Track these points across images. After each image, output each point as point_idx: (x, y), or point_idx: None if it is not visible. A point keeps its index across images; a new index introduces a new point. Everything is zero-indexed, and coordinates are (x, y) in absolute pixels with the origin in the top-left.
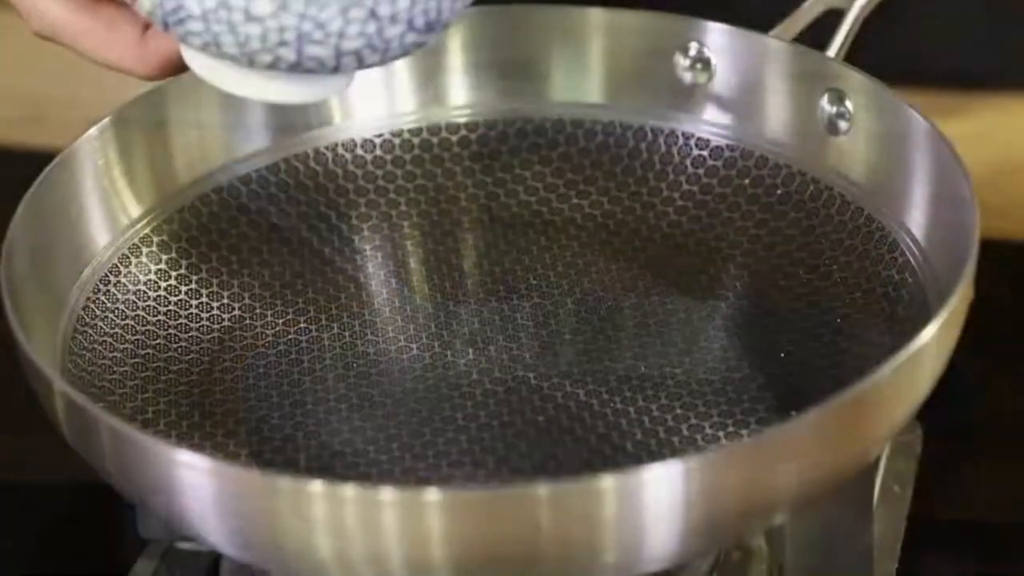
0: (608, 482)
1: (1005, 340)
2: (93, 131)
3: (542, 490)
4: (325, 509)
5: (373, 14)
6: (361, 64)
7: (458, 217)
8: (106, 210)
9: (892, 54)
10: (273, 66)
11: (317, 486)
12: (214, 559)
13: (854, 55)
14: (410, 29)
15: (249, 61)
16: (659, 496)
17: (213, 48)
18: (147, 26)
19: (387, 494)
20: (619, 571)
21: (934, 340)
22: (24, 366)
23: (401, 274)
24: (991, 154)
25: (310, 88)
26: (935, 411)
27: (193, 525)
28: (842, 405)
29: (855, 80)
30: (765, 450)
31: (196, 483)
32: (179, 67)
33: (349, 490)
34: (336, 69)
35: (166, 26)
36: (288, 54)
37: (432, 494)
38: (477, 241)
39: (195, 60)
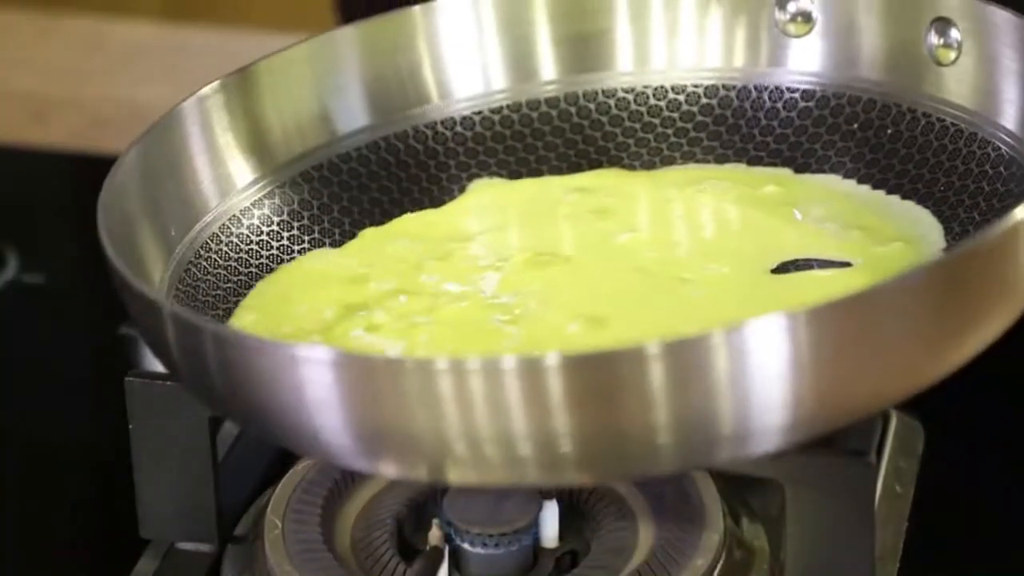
0: (719, 337)
1: (1006, 340)
2: (192, 100)
3: (653, 348)
4: (451, 383)
5: None
6: None
7: None
8: (213, 174)
9: None
10: None
11: (442, 363)
12: (215, 559)
13: None
14: None
15: None
16: (768, 351)
17: None
18: None
19: (508, 363)
20: (735, 445)
21: None
22: (129, 302)
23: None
24: None
25: None
26: (937, 410)
27: (316, 429)
28: (952, 262)
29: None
30: (873, 306)
31: (319, 379)
32: None
33: (473, 363)
34: None
35: None
36: None
37: (552, 359)
38: None
39: None
